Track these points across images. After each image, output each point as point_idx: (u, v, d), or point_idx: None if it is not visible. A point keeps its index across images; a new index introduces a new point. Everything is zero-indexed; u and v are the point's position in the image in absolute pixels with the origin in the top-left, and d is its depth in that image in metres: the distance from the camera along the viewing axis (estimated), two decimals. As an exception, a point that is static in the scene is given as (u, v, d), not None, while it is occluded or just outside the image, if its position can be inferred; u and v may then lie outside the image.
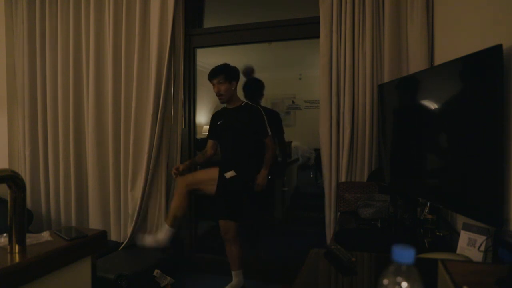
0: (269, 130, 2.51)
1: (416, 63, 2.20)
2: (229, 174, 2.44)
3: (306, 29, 2.64)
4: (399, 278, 0.56)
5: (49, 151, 3.04)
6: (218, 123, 2.60)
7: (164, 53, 2.68)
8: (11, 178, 1.16)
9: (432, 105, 1.65)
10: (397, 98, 2.07)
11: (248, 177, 2.50)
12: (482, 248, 1.20)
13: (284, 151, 3.68)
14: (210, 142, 2.68)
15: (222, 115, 2.61)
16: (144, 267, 2.43)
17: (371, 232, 1.81)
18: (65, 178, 2.99)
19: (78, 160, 2.98)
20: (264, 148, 2.54)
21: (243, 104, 2.56)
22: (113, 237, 2.88)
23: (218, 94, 2.50)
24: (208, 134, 2.72)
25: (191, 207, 3.00)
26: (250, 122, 2.50)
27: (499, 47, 1.15)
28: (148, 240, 2.53)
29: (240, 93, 2.74)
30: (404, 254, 0.56)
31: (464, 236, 1.28)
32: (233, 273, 2.58)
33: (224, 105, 2.61)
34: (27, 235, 1.23)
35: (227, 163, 2.53)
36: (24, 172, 3.10)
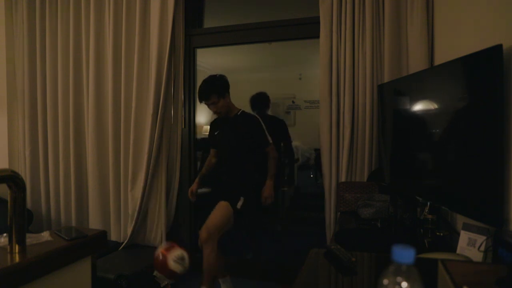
0: (269, 139, 2.43)
1: (416, 63, 2.20)
2: (240, 204, 2.35)
3: (306, 29, 2.64)
4: (399, 278, 0.56)
5: (49, 151, 3.04)
6: (216, 133, 2.54)
7: (164, 53, 2.68)
8: (11, 178, 1.16)
9: (432, 105, 1.65)
10: (397, 98, 2.07)
11: (250, 190, 2.41)
12: (482, 248, 1.20)
13: (292, 158, 3.64)
14: (213, 151, 2.65)
15: (219, 126, 2.55)
16: (144, 267, 2.43)
17: (371, 232, 1.81)
18: (65, 178, 2.99)
19: (78, 160, 2.98)
20: (264, 159, 2.45)
21: (239, 113, 2.48)
22: (113, 237, 2.88)
23: (217, 112, 2.42)
24: (211, 143, 2.67)
25: (191, 207, 3.01)
26: (248, 132, 2.41)
27: (499, 47, 1.15)
28: None
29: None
30: (404, 254, 0.56)
31: (464, 236, 1.28)
32: (220, 280, 2.47)
33: None
34: (27, 235, 1.23)
35: (225, 175, 2.49)
36: (24, 172, 3.10)
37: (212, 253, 2.29)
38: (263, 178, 2.48)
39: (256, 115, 2.48)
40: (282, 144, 3.38)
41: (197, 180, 2.63)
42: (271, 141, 2.43)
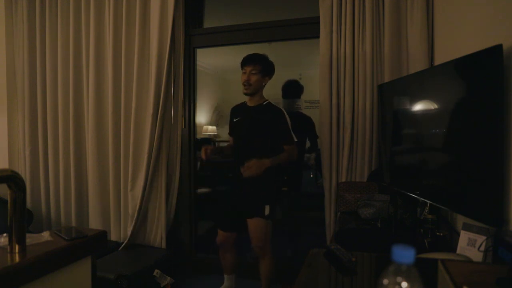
0: (294, 137, 2.24)
1: (416, 63, 2.20)
2: (267, 211, 2.23)
3: (306, 29, 2.64)
4: (399, 278, 0.56)
5: (49, 151, 3.04)
6: (235, 119, 2.41)
7: (164, 53, 2.67)
8: (11, 178, 1.16)
9: (432, 105, 1.65)
10: (397, 98, 2.07)
11: (272, 194, 2.31)
12: (482, 248, 1.20)
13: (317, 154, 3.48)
14: (231, 138, 2.50)
15: (240, 112, 2.39)
16: (144, 267, 2.43)
17: (371, 232, 1.81)
18: (65, 178, 2.99)
19: (78, 160, 2.98)
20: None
21: (264, 103, 2.31)
22: (113, 237, 2.88)
23: (247, 84, 2.25)
24: (229, 130, 2.52)
25: (191, 207, 3.01)
26: (271, 124, 2.24)
27: (499, 47, 1.15)
28: None
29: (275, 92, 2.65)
30: (404, 254, 0.56)
31: (464, 236, 1.28)
32: (226, 276, 2.52)
33: (245, 100, 2.40)
34: (27, 235, 1.23)
35: (240, 165, 2.28)
36: (24, 172, 3.10)
37: (270, 262, 2.35)
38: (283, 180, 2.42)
39: (282, 108, 2.30)
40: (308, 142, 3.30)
41: (213, 147, 2.49)
42: (295, 140, 2.24)
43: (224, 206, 2.47)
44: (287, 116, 2.26)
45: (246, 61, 2.28)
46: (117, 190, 2.86)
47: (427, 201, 1.66)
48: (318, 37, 2.44)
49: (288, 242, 3.69)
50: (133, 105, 2.76)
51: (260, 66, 2.26)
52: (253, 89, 2.28)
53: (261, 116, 2.28)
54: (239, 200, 2.34)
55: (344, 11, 2.36)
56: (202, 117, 6.43)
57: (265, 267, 2.36)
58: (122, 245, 2.75)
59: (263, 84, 2.32)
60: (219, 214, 2.52)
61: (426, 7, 2.19)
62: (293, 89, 3.19)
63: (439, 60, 2.10)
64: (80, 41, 2.93)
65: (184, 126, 2.94)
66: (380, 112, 2.25)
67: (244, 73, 2.27)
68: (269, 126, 2.25)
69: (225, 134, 2.99)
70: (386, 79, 2.28)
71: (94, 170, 2.89)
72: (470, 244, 1.25)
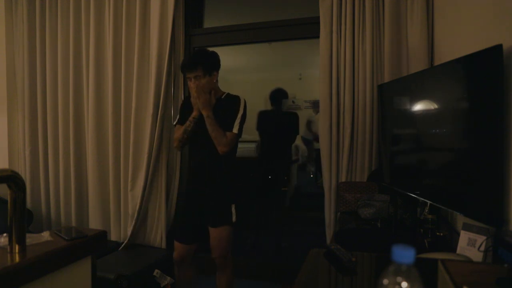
0: (235, 128, 2.03)
1: (416, 63, 2.20)
2: (234, 218, 2.09)
3: (306, 29, 2.64)
4: (399, 278, 0.56)
5: (49, 151, 3.04)
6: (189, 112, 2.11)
7: (164, 53, 2.67)
8: (11, 178, 1.16)
9: (432, 105, 1.65)
10: (397, 98, 2.07)
11: (235, 196, 2.13)
12: (482, 248, 1.20)
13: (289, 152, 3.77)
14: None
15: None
16: (144, 267, 2.43)
17: (371, 232, 1.81)
18: (65, 178, 2.99)
19: (78, 160, 2.98)
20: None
21: (223, 96, 2.13)
22: (113, 237, 2.88)
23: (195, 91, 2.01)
24: (178, 120, 2.19)
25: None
26: (227, 115, 2.05)
27: (499, 47, 1.15)
28: None
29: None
30: (404, 254, 0.56)
31: (464, 236, 1.28)
32: None
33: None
34: (27, 235, 1.23)
35: (201, 167, 2.13)
36: (24, 172, 3.10)
37: (232, 273, 2.19)
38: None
39: (241, 98, 2.11)
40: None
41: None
42: (235, 132, 2.03)
43: (183, 213, 2.27)
44: (241, 105, 2.07)
45: (186, 67, 2.04)
46: (117, 190, 2.86)
47: (427, 201, 1.66)
48: (318, 37, 2.44)
49: (288, 242, 3.70)
50: (133, 105, 2.76)
51: (201, 67, 2.00)
52: (206, 93, 2.04)
53: (220, 109, 2.06)
54: (200, 205, 2.13)
55: (344, 11, 2.36)
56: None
57: (225, 280, 2.17)
58: (122, 245, 2.75)
59: (214, 80, 2.07)
60: (177, 223, 2.35)
61: (426, 7, 2.19)
62: (280, 95, 3.69)
63: (439, 60, 2.10)
64: (80, 41, 2.93)
65: (184, 126, 2.94)
66: (380, 112, 2.25)
67: (189, 79, 2.03)
68: (224, 115, 2.05)
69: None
70: (386, 79, 2.28)
71: (94, 170, 2.89)
72: (470, 244, 1.25)
